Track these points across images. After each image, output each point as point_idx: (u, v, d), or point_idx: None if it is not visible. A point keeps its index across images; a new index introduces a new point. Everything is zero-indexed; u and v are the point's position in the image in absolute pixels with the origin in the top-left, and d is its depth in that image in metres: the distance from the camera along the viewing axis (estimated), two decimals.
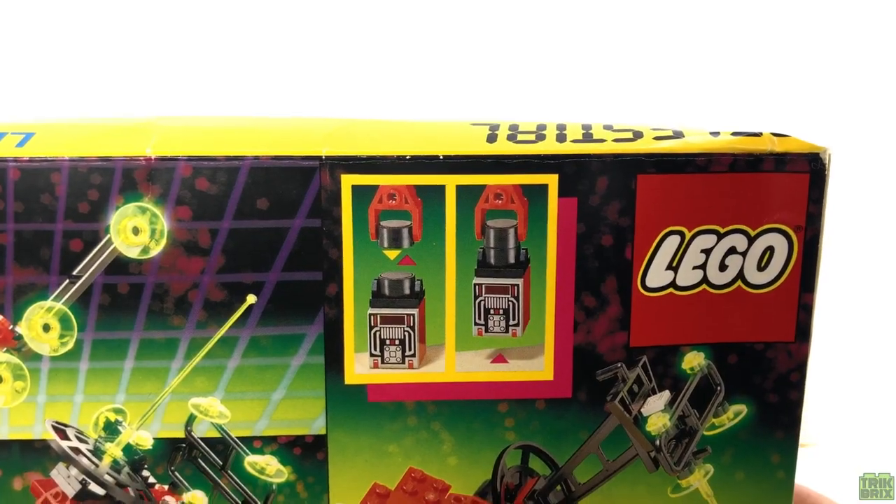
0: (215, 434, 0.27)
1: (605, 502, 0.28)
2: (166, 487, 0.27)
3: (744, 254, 0.27)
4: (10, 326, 0.26)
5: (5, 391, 0.26)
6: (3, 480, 0.27)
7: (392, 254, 0.26)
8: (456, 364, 0.27)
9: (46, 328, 0.26)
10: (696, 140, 0.26)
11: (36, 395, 0.26)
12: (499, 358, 0.27)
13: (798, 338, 0.27)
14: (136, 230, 0.25)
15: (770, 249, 0.27)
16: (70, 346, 0.26)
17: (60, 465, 0.27)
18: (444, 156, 0.26)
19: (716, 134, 0.27)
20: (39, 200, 0.25)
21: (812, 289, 0.27)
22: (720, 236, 0.26)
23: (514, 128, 0.27)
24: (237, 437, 0.27)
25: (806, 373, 0.28)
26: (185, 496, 0.27)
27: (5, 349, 0.26)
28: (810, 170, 0.26)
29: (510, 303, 0.27)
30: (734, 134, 0.27)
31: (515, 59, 0.49)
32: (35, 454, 0.27)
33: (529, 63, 0.49)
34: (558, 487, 0.28)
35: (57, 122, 0.28)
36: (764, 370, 0.27)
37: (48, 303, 0.26)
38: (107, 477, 0.27)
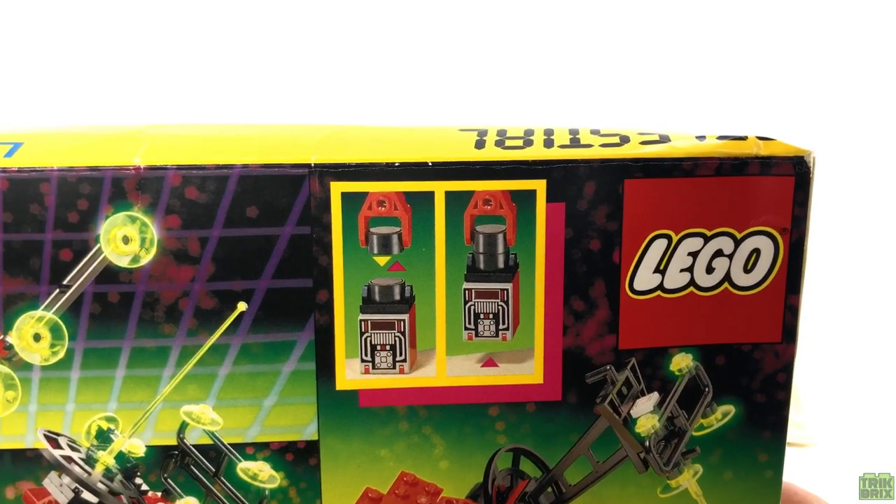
0: (207, 441, 0.27)
1: (597, 502, 0.28)
2: (159, 494, 0.27)
3: (730, 256, 0.27)
4: (1, 336, 0.26)
5: None
6: None
7: (382, 260, 0.26)
8: (447, 368, 0.27)
9: (37, 338, 0.26)
10: (682, 144, 0.27)
11: (27, 405, 0.26)
12: (489, 362, 0.27)
13: (784, 339, 0.28)
14: (126, 239, 0.25)
15: (756, 252, 0.27)
16: (61, 355, 0.26)
17: (53, 474, 0.27)
18: (432, 162, 0.26)
19: (701, 138, 0.27)
20: (28, 210, 0.25)
21: (798, 290, 0.27)
22: (707, 239, 0.27)
23: (501, 133, 0.28)
24: (229, 444, 0.27)
25: (793, 373, 0.28)
26: (178, 503, 0.27)
27: None
28: (795, 173, 0.26)
29: (500, 307, 0.27)
30: (720, 138, 0.27)
31: (503, 64, 0.50)
32: (27, 463, 0.27)
33: (517, 68, 0.49)
34: (549, 489, 0.28)
35: (45, 131, 0.28)
36: (751, 371, 0.28)
37: (38, 312, 0.26)
38: (99, 485, 0.27)
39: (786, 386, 0.28)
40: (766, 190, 0.26)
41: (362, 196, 0.26)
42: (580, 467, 0.28)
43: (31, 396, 0.26)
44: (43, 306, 0.26)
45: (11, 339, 0.26)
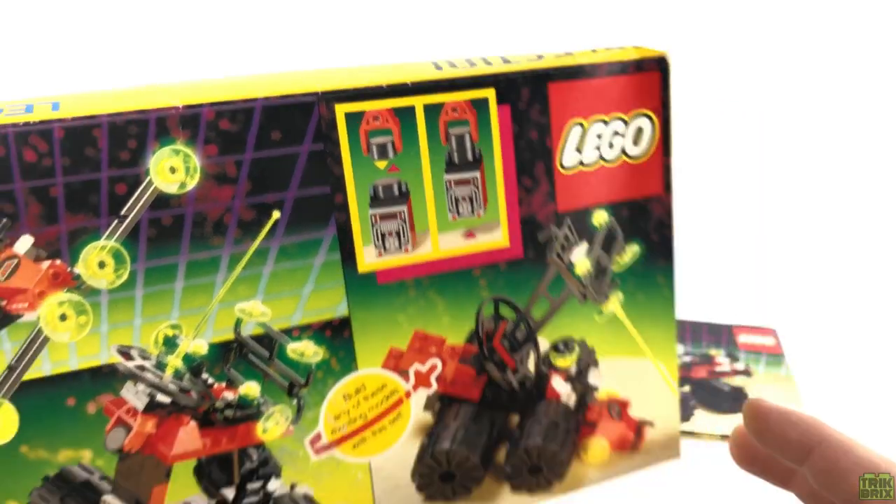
0: (260, 331, 0.32)
1: (555, 330, 0.37)
2: (224, 385, 0.32)
3: (623, 135, 0.36)
4: (69, 268, 0.29)
5: (70, 327, 0.30)
6: (77, 408, 0.30)
7: (382, 164, 0.33)
8: (439, 244, 0.34)
9: (102, 265, 0.30)
10: (583, 56, 0.36)
11: (99, 326, 0.30)
12: (469, 234, 0.35)
13: (665, 191, 0.38)
14: (172, 169, 0.30)
15: (640, 129, 0.37)
16: (125, 277, 0.30)
17: (129, 384, 0.31)
18: (411, 83, 0.33)
19: (594, 51, 0.36)
20: (84, 153, 0.29)
21: (669, 154, 0.37)
22: (607, 123, 0.36)
23: (451, 62, 0.35)
24: (279, 330, 0.32)
25: (673, 215, 0.38)
26: (241, 388, 0.32)
27: (66, 289, 0.29)
28: (660, 69, 0.36)
29: (473, 191, 0.34)
30: (607, 49, 0.36)
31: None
32: (104, 378, 0.30)
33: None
34: (522, 326, 0.36)
35: (73, 94, 0.31)
36: (647, 218, 0.38)
37: (101, 242, 0.29)
38: (171, 386, 0.31)
39: (670, 225, 0.38)
40: (642, 83, 0.36)
41: (361, 114, 0.32)
42: (541, 306, 0.36)
43: (102, 318, 0.30)
44: (105, 236, 0.29)
45: (79, 269, 0.29)
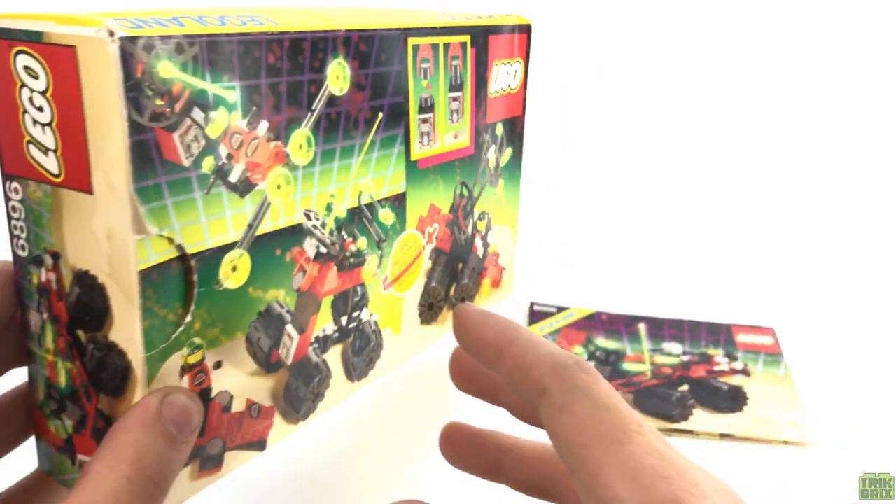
0: (368, 201, 0.43)
1: (479, 205, 0.54)
2: (350, 239, 0.42)
3: (509, 73, 0.55)
4: (284, 149, 0.37)
5: (282, 194, 0.38)
6: (280, 257, 0.38)
7: (424, 83, 0.46)
8: (444, 141, 0.49)
9: (300, 147, 0.38)
10: (499, 19, 0.53)
11: (295, 194, 0.39)
12: (455, 136, 0.50)
13: (523, 113, 0.57)
14: (337, 77, 0.40)
15: (517, 70, 0.56)
16: (311, 157, 0.39)
17: (307, 238, 0.40)
18: (440, 27, 0.47)
19: (502, 16, 0.54)
20: (297, 60, 0.37)
21: (526, 86, 0.57)
22: (503, 65, 0.54)
23: (442, 14, 0.49)
24: (376, 200, 0.44)
25: (524, 125, 0.58)
26: (358, 242, 0.43)
27: (281, 164, 0.38)
28: (527, 31, 0.56)
29: (459, 106, 0.50)
30: (507, 15, 0.54)
31: None
32: (295, 234, 0.39)
33: None
34: (469, 201, 0.53)
35: (261, 7, 0.38)
36: (514, 130, 0.57)
37: (302, 129, 0.38)
38: (327, 239, 0.41)
39: (522, 136, 0.58)
40: (519, 40, 0.55)
41: (418, 46, 0.45)
42: (476, 188, 0.53)
43: (297, 188, 0.39)
44: (303, 125, 0.38)
45: (288, 150, 0.38)
